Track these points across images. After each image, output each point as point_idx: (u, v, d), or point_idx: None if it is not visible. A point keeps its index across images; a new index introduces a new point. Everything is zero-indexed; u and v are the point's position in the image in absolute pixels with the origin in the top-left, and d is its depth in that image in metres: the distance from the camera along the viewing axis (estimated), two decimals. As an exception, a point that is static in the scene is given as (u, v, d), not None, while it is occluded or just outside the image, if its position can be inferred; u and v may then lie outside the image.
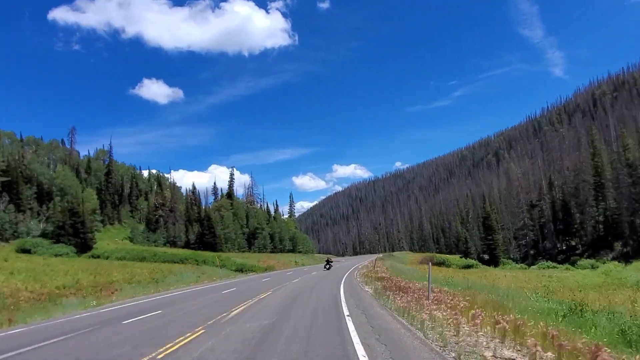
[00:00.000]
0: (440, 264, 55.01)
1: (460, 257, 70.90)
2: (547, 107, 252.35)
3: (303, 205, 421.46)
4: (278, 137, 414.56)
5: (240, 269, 45.89)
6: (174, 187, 77.52)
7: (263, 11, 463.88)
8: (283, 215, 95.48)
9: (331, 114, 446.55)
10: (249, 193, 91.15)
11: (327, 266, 42.30)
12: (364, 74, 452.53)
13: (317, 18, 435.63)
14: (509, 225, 77.94)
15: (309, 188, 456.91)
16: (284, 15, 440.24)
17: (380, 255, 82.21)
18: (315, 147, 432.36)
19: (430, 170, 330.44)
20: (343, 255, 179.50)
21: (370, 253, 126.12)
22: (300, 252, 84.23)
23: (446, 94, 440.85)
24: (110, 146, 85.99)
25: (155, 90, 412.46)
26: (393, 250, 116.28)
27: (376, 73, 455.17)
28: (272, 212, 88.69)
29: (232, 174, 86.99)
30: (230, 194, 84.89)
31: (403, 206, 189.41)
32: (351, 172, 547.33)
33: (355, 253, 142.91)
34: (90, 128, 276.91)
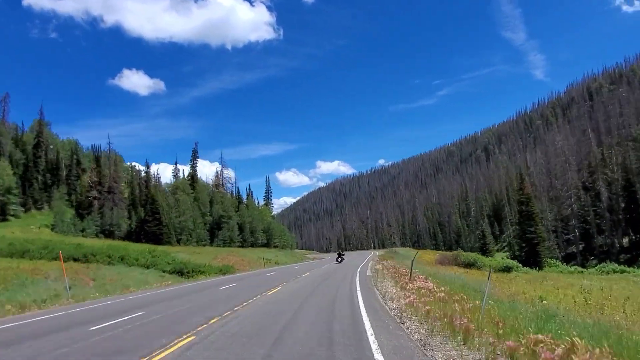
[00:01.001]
0: (469, 265, 40.05)
1: (486, 256, 55.89)
2: (538, 101, 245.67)
3: (286, 201, 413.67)
4: (262, 133, 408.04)
5: (180, 271, 29.95)
6: (116, 163, 60.14)
7: (247, 3, 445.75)
8: (258, 203, 79.55)
9: (316, 110, 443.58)
10: (218, 176, 74.59)
11: (339, 259, 43.45)
12: (349, 71, 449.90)
13: (303, 13, 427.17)
14: (546, 215, 61.15)
15: (293, 184, 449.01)
16: (269, 8, 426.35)
17: (377, 252, 66.97)
18: (299, 143, 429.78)
19: (416, 165, 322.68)
20: (327, 251, 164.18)
21: (358, 249, 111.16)
22: (276, 246, 68.43)
23: (431, 92, 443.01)
24: (41, 112, 67.61)
25: (135, 81, 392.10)
26: (384, 246, 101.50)
27: (362, 70, 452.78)
28: (244, 199, 72.39)
29: (195, 151, 70.39)
30: (193, 176, 68.24)
31: (392, 200, 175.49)
32: (335, 168, 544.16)
33: (341, 249, 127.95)
34: (67, 119, 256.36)
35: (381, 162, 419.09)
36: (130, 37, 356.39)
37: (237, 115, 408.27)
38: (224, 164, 75.34)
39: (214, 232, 59.60)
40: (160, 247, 38.40)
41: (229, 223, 60.62)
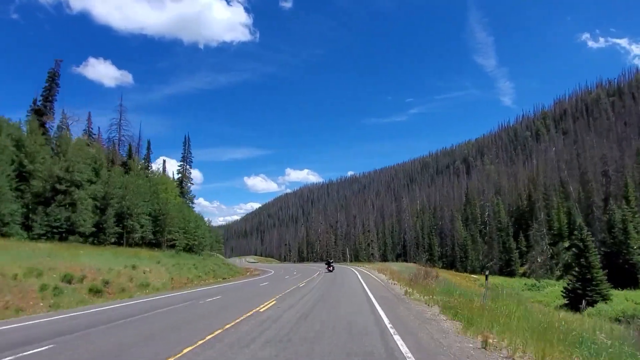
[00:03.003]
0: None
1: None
2: (523, 114, 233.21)
3: (253, 206, 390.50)
4: (233, 136, 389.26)
5: None
6: None
7: (224, 2, 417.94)
8: (166, 174, 48.59)
9: (288, 118, 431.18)
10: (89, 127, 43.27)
11: (330, 268, 38.16)
12: (324, 81, 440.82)
13: (280, 18, 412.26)
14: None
15: (260, 189, 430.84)
16: (246, 10, 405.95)
17: (363, 269, 37.89)
18: (269, 149, 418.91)
19: (388, 175, 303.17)
20: (285, 259, 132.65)
21: (322, 260, 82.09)
22: (172, 246, 37.36)
23: (403, 110, 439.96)
24: None
25: (101, 70, 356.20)
26: (357, 258, 72.21)
27: (336, 82, 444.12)
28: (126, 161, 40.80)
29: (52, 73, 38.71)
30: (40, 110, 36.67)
31: (369, 202, 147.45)
32: (304, 177, 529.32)
33: (302, 259, 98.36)
34: (24, 105, 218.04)
35: (350, 173, 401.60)
36: (98, 25, 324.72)
37: (209, 117, 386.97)
38: (121, 107, 43.62)
39: (38, 210, 28.24)
40: None
41: (72, 195, 29.26)
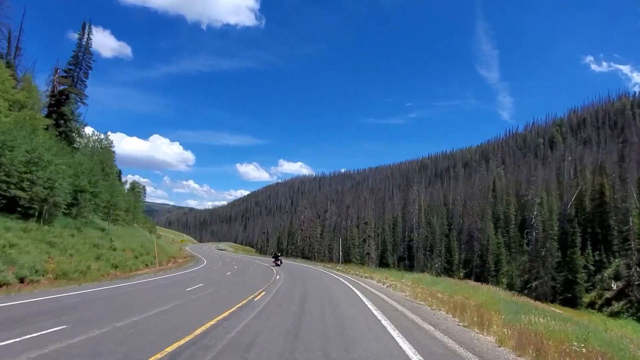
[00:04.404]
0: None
1: None
2: (533, 122, 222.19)
3: (243, 194, 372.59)
4: (229, 122, 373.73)
5: None
6: None
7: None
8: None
9: (287, 109, 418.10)
10: None
11: (278, 262, 37.27)
12: (325, 77, 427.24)
13: (287, 7, 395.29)
14: None
15: (252, 178, 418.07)
16: None
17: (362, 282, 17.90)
18: (265, 139, 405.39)
19: (383, 174, 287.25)
20: (264, 252, 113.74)
21: (306, 258, 63.57)
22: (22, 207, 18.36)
23: (402, 113, 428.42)
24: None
25: (100, 39, 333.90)
26: (348, 258, 53.34)
27: (337, 78, 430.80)
28: None
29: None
30: None
31: (363, 196, 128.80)
32: (297, 169, 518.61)
33: (279, 252, 79.62)
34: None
35: (342, 170, 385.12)
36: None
37: (207, 101, 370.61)
38: None
39: None
40: None
41: None
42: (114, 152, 39.98)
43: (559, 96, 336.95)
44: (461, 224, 55.93)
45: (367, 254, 53.50)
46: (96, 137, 39.78)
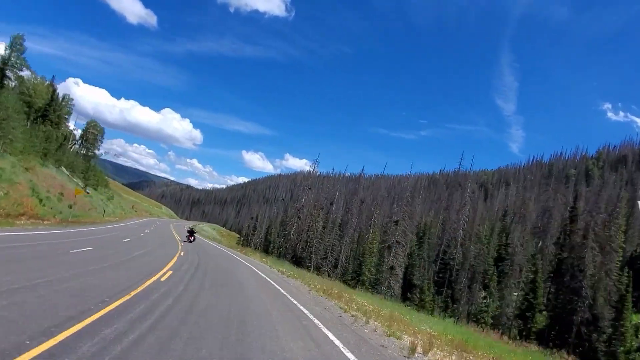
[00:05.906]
0: None
1: None
2: (561, 152, 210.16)
3: (245, 181, 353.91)
4: (241, 108, 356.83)
5: None
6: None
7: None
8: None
9: (301, 105, 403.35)
10: None
11: (192, 238, 33.29)
12: (344, 80, 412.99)
13: (319, 5, 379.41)
14: None
15: (256, 167, 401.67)
16: None
17: None
18: (274, 130, 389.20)
19: (389, 183, 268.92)
20: (247, 243, 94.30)
21: (297, 263, 44.40)
22: None
23: (414, 129, 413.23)
24: None
25: (127, 3, 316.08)
26: (359, 278, 34.08)
27: (355, 83, 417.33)
28: None
29: None
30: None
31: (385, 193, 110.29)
32: (301, 166, 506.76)
33: (266, 246, 61.53)
34: (43, 30, 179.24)
35: (348, 174, 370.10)
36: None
37: (225, 84, 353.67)
38: None
39: None
40: None
41: None
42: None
43: (570, 137, 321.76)
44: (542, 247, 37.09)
45: (391, 268, 34.50)
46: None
